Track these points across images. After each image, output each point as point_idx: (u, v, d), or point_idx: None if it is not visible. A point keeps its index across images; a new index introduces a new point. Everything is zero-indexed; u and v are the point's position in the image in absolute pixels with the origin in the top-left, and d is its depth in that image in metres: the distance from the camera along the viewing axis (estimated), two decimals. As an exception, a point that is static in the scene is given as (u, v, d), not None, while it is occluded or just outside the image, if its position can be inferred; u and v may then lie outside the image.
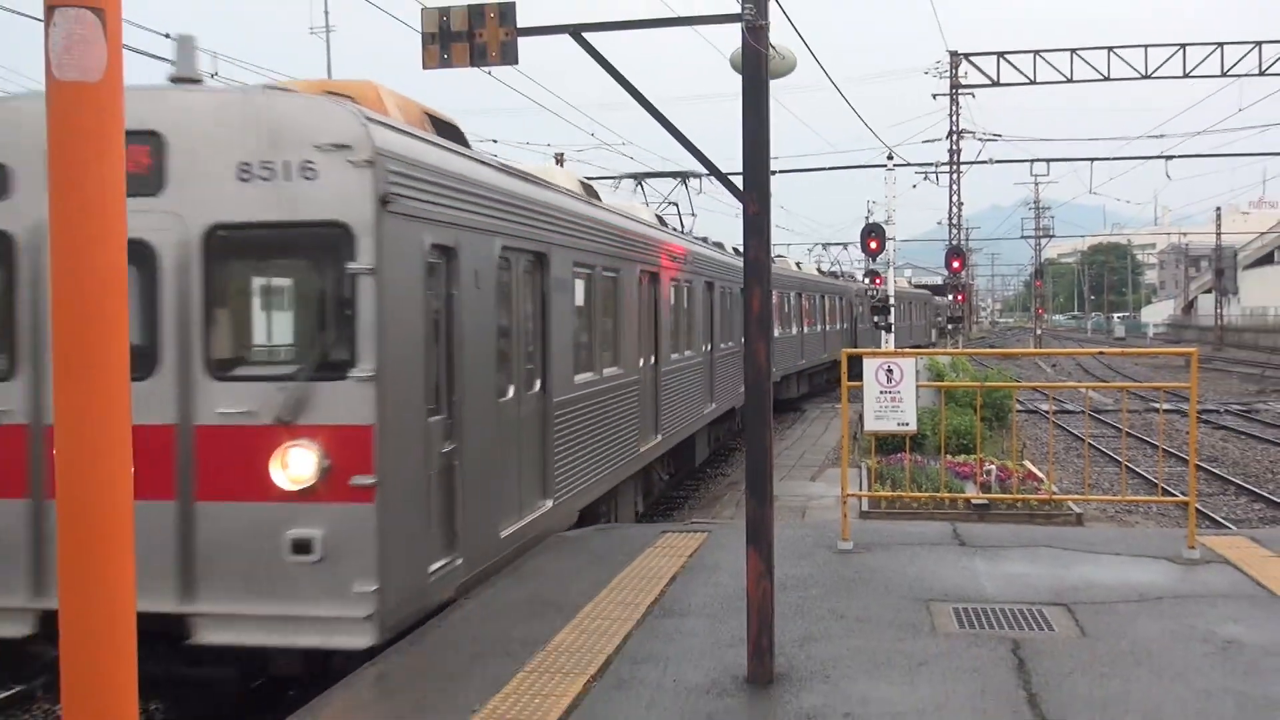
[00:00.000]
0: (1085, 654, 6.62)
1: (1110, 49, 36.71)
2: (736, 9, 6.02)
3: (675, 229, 19.23)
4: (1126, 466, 16.36)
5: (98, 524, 2.92)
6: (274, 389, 6.55)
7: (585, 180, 13.43)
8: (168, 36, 5.96)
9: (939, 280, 63.00)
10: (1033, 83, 37.76)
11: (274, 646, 6.62)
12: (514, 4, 6.31)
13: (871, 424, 9.68)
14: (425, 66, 6.48)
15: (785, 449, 21.60)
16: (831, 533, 9.96)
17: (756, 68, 6.11)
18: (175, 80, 7.05)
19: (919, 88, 55.10)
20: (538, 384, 9.66)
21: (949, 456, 14.26)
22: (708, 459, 20.57)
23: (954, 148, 42.69)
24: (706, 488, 19.26)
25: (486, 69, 8.33)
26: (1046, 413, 24.11)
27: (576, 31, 6.25)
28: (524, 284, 9.37)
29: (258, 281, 7.20)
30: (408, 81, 13.49)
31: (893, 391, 9.46)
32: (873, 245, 24.41)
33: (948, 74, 42.31)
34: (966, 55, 40.88)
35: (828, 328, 36.35)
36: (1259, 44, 35.53)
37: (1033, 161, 43.49)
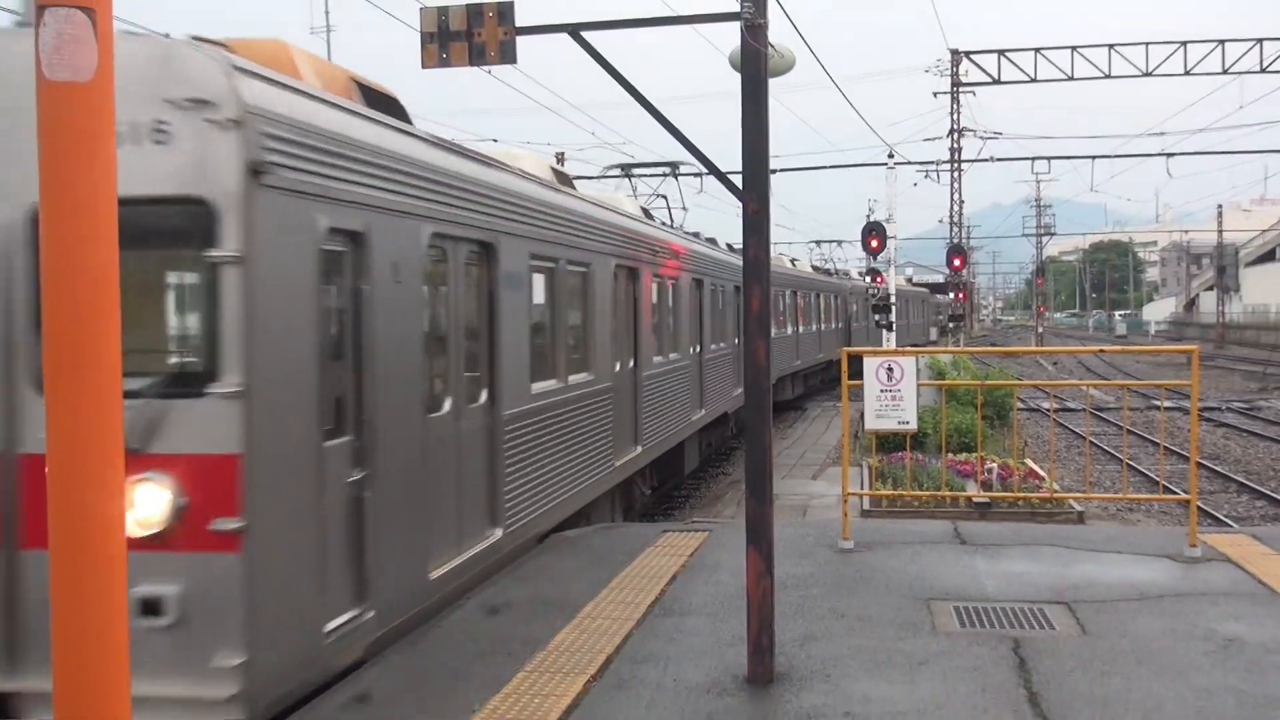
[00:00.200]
0: (1086, 652, 6.61)
1: (1111, 46, 36.79)
2: (735, 8, 6.01)
3: (665, 223, 18.17)
4: (1128, 464, 16.34)
5: (96, 524, 2.90)
6: None
7: (559, 168, 12.29)
8: (167, 37, 5.80)
9: (940, 278, 63.07)
10: (1034, 80, 37.80)
11: None
12: (512, 3, 6.30)
13: (872, 423, 9.68)
14: (424, 66, 6.46)
15: (786, 448, 21.60)
16: (832, 531, 9.96)
17: (756, 66, 6.11)
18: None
19: (919, 86, 55.29)
20: (483, 395, 8.41)
21: (950, 455, 14.24)
22: (706, 461, 20.11)
23: (955, 146, 42.64)
24: (707, 487, 19.26)
25: (486, 68, 8.33)
26: (1048, 411, 24.10)
27: (575, 31, 6.24)
28: (464, 279, 8.12)
29: None
30: (408, 81, 13.52)
31: (893, 390, 9.46)
32: (874, 244, 24.39)
33: (948, 72, 42.29)
34: (967, 53, 40.95)
35: (823, 327, 35.99)
36: (1260, 41, 35.53)
37: (1034, 159, 43.46)
